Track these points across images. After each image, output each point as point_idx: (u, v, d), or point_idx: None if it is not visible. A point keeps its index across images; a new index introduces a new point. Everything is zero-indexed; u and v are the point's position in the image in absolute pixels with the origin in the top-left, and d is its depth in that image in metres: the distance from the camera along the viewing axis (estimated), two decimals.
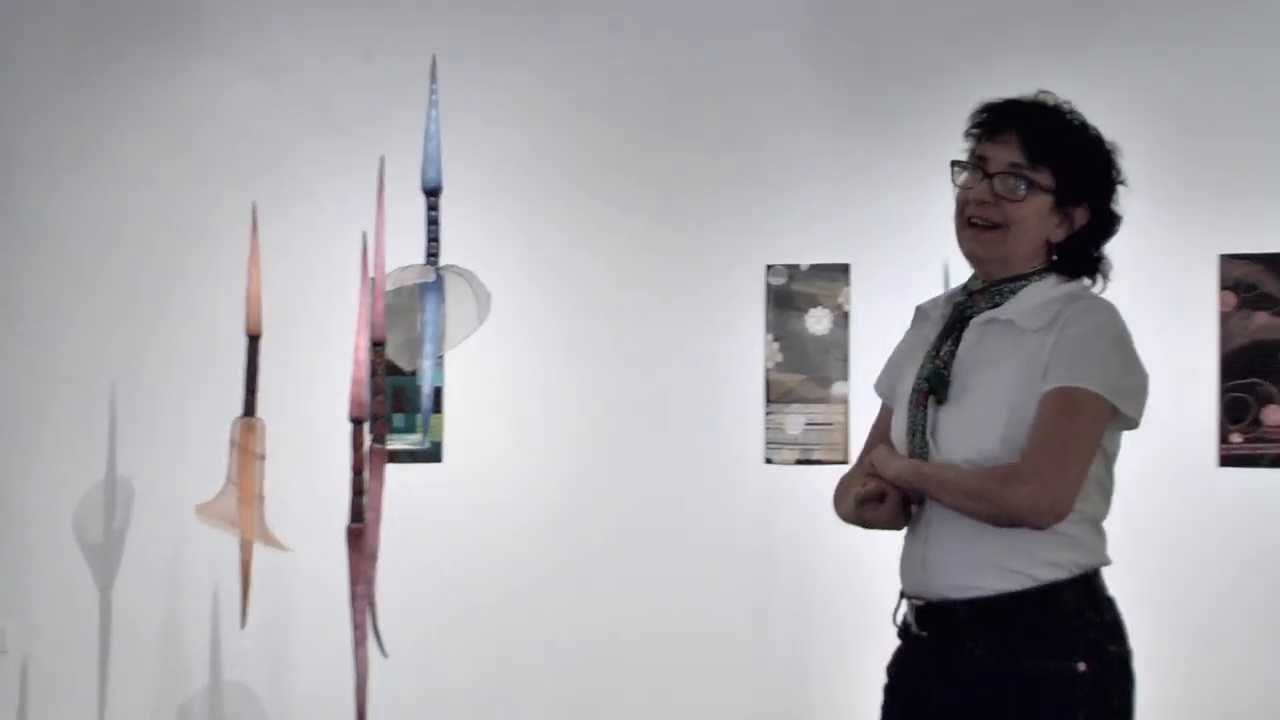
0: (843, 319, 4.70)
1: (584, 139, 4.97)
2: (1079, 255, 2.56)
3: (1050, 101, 2.55)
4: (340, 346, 4.29)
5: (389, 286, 4.01)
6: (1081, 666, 2.36)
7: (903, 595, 2.57)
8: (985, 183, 2.50)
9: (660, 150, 4.91)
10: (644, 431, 4.85)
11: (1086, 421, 2.39)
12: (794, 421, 4.71)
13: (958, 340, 2.53)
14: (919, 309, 2.71)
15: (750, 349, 4.77)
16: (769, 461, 4.73)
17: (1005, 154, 2.49)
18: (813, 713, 4.65)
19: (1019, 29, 4.65)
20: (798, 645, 4.69)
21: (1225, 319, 4.43)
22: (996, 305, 2.50)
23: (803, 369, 4.71)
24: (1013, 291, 2.50)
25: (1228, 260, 4.43)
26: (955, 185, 2.58)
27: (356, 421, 3.91)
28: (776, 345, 4.74)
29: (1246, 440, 4.38)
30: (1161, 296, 4.50)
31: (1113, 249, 4.41)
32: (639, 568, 4.82)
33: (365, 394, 3.91)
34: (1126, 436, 4.38)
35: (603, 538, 4.86)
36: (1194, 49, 4.53)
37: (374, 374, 3.91)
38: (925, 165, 4.67)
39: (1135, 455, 4.38)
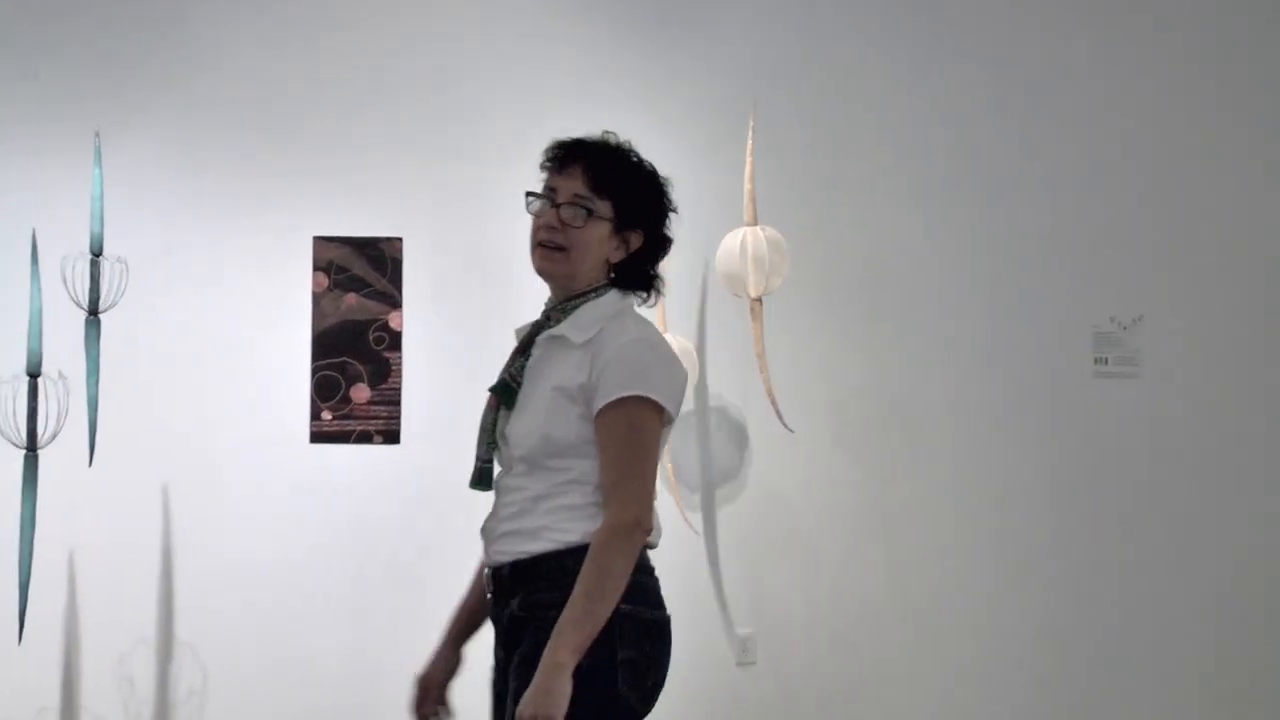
0: None
1: None
2: (635, 272, 3.03)
3: (614, 141, 3.03)
4: None
5: None
6: None
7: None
8: (553, 211, 2.96)
9: None
10: None
11: (645, 430, 2.84)
12: None
13: (529, 355, 2.99)
14: (516, 331, 3.12)
15: None
16: None
17: (571, 186, 2.96)
18: None
19: None
20: None
21: (318, 299, 4.81)
22: (559, 323, 2.95)
23: None
24: (573, 309, 2.96)
25: (321, 242, 4.82)
26: (529, 212, 3.02)
27: None
28: None
29: (336, 417, 4.80)
30: (261, 277, 4.84)
31: (210, 229, 4.81)
32: None
33: None
34: (222, 410, 4.77)
35: None
36: (290, 39, 4.91)
37: None
38: (14, 127, 4.76)
39: (231, 433, 4.79)
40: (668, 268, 4.49)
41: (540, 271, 3.02)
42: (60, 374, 4.39)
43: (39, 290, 4.38)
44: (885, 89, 5.06)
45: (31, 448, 4.33)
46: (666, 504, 4.83)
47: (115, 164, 4.60)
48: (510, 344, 3.12)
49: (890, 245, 5.01)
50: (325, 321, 4.82)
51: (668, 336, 4.65)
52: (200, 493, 4.74)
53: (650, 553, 2.78)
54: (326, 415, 4.80)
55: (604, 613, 2.76)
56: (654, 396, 2.84)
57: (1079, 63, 5.10)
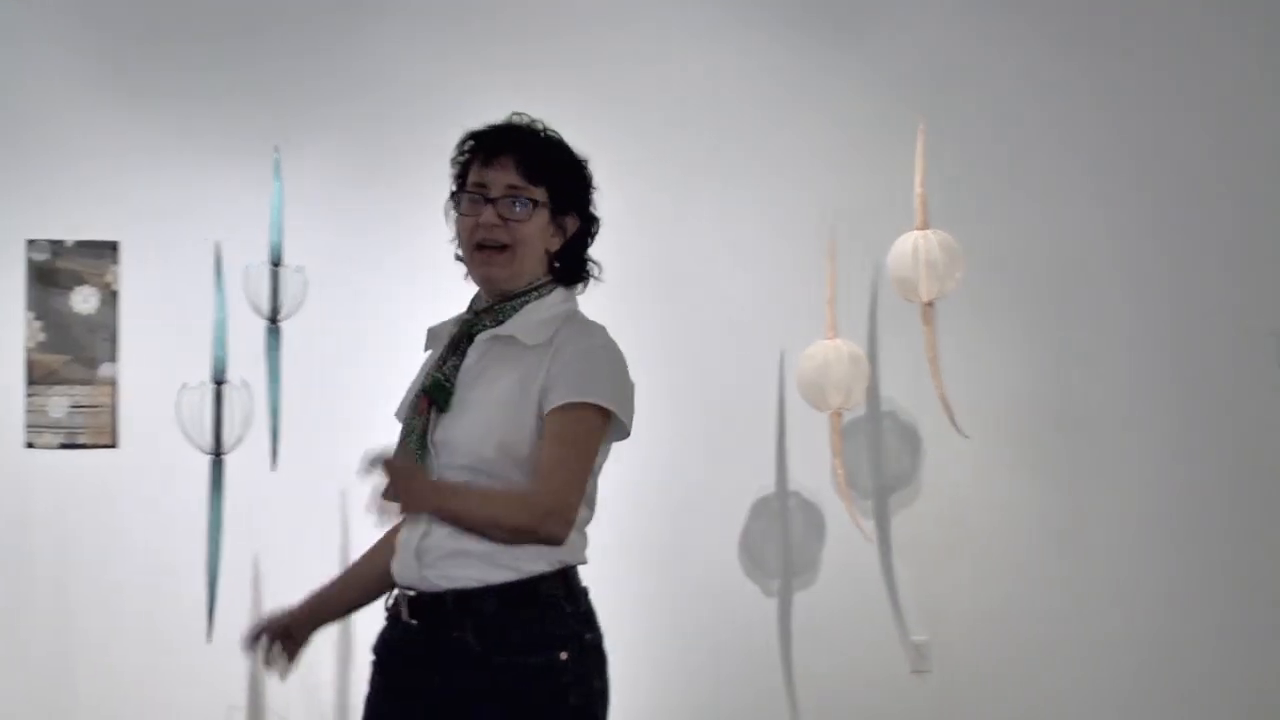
0: (111, 298, 4.81)
1: None
2: (573, 261, 2.85)
3: (535, 125, 2.86)
4: None
5: None
6: (564, 655, 2.64)
7: (394, 584, 2.76)
8: (489, 207, 2.74)
9: None
10: None
11: (591, 438, 2.68)
12: (58, 404, 4.78)
13: (463, 355, 2.76)
14: (430, 331, 2.93)
15: (9, 327, 4.80)
16: (30, 445, 4.79)
17: (504, 178, 2.75)
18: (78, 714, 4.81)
19: (277, 17, 4.99)
20: (59, 631, 4.79)
21: None
22: (500, 322, 2.74)
23: (67, 349, 4.79)
24: (515, 309, 2.75)
25: None
26: (457, 214, 2.81)
27: None
28: (39, 324, 4.79)
29: None
30: (434, 284, 4.89)
31: (384, 238, 4.91)
32: None
33: None
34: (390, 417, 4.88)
35: None
36: (464, 52, 5.01)
37: None
38: (199, 144, 4.94)
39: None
40: (839, 274, 4.57)
41: (484, 279, 2.81)
42: (244, 381, 4.56)
43: (223, 300, 4.55)
44: (1058, 90, 5.03)
45: (217, 452, 4.51)
46: (837, 510, 4.85)
47: (294, 177, 4.75)
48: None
49: (1065, 248, 4.98)
50: None
51: (837, 342, 4.68)
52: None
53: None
54: None
55: (463, 524, 2.61)
56: (604, 404, 2.68)
57: (1261, 60, 5.02)
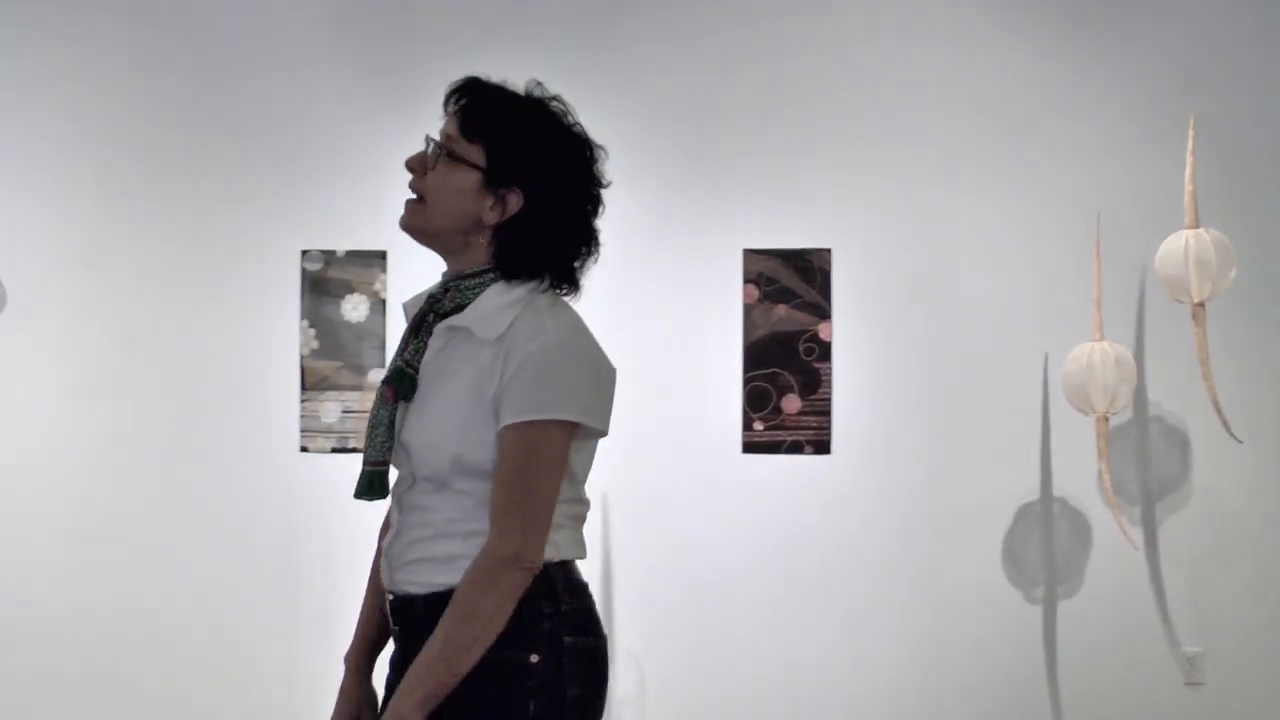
0: (380, 306, 4.98)
1: (104, 129, 5.10)
2: (518, 247, 2.51)
3: (510, 86, 2.56)
4: None
5: None
6: (534, 658, 2.40)
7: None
8: (420, 154, 2.54)
9: (186, 134, 5.07)
10: (175, 420, 5.00)
11: (548, 457, 2.42)
12: (330, 409, 4.97)
13: (425, 339, 2.54)
14: (404, 306, 2.67)
15: (285, 335, 5.00)
16: (304, 449, 4.98)
17: (447, 128, 2.53)
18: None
19: (544, 23, 5.07)
20: (328, 638, 4.96)
21: (749, 311, 4.97)
22: (460, 308, 2.51)
23: (339, 356, 4.97)
24: (473, 290, 2.51)
25: (751, 255, 4.97)
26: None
27: None
28: (312, 332, 4.98)
29: (768, 428, 4.93)
30: (694, 289, 5.03)
31: (641, 242, 5.00)
32: (171, 560, 4.97)
33: None
34: (657, 421, 4.96)
35: (138, 533, 4.99)
36: (716, 57, 5.05)
37: None
38: None
39: (666, 444, 4.98)
40: (1104, 274, 4.48)
41: (402, 228, 2.57)
42: None
43: None
44: None
45: None
46: (1103, 516, 4.77)
47: None
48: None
49: None
50: (756, 333, 4.96)
51: (1103, 344, 4.60)
52: (637, 501, 4.93)
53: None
54: (758, 426, 4.94)
55: (466, 661, 2.36)
56: (565, 417, 2.41)
57: None
